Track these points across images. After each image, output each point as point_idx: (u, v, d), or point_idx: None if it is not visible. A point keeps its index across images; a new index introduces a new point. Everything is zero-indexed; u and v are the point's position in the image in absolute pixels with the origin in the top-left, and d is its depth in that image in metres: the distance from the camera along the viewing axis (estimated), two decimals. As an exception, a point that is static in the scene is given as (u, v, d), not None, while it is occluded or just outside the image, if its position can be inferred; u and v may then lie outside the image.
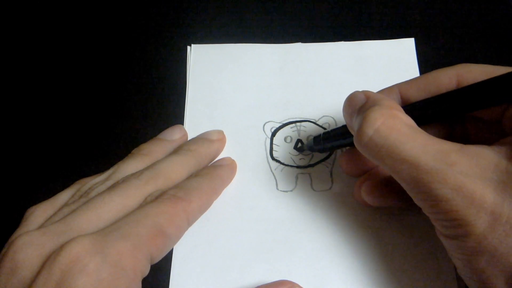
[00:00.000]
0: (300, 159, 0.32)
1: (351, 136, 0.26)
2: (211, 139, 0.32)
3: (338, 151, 0.32)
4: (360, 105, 0.25)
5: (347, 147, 0.30)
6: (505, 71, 0.22)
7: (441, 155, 0.21)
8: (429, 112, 0.25)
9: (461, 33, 0.37)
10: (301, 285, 0.27)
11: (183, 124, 0.34)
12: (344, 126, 0.28)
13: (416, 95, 0.27)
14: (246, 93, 0.35)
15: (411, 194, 0.23)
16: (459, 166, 0.21)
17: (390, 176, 0.27)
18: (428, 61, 0.35)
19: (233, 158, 0.32)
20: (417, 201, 0.23)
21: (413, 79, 0.27)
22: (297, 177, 0.32)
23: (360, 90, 0.27)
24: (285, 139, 0.33)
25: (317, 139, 0.30)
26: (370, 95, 0.25)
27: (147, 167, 0.29)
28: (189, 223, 0.27)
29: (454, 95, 0.24)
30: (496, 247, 0.20)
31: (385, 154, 0.23)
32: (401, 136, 0.22)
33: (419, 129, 0.23)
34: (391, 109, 0.23)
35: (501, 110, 0.25)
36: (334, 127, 0.33)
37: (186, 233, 0.27)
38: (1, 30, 0.40)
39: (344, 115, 0.27)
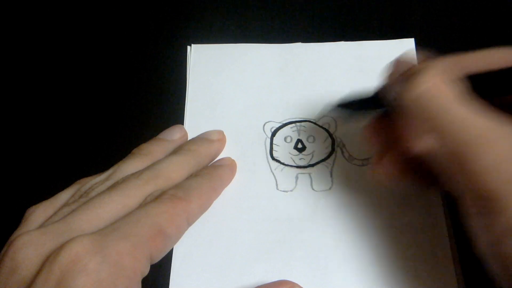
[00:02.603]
0: (300, 159, 0.32)
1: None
2: (211, 139, 0.32)
3: (338, 150, 0.32)
4: (411, 65, 0.24)
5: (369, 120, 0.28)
6: None
7: (494, 124, 0.21)
8: (488, 83, 0.24)
9: (461, 33, 0.37)
10: (301, 285, 0.27)
11: (183, 124, 0.34)
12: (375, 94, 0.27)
13: (474, 68, 0.25)
14: (246, 93, 0.35)
15: (447, 161, 0.22)
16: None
17: (416, 152, 0.27)
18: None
19: (233, 158, 0.32)
20: (452, 169, 0.22)
21: (472, 52, 0.26)
22: (297, 177, 0.32)
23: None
24: (285, 139, 0.33)
25: (349, 102, 0.29)
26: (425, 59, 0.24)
27: (147, 167, 0.29)
28: (189, 223, 0.27)
29: None
30: None
31: (434, 113, 0.22)
32: (456, 98, 0.22)
33: (473, 97, 0.22)
34: (447, 71, 0.23)
35: None
36: (334, 127, 0.33)
37: (186, 233, 0.27)
38: (1, 30, 0.40)
39: (389, 72, 0.25)
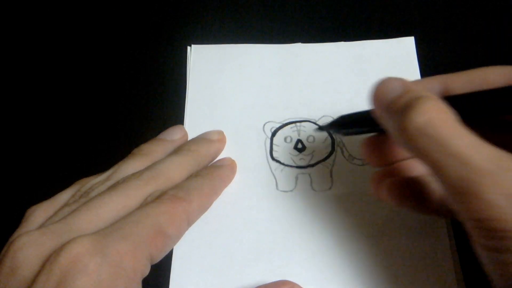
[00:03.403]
0: (300, 159, 0.32)
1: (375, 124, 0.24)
2: (211, 139, 0.32)
3: (338, 150, 0.32)
4: (397, 94, 0.23)
5: (369, 134, 0.28)
6: None
7: (496, 158, 0.19)
8: (476, 105, 0.23)
9: (461, 31, 0.37)
10: (301, 285, 0.27)
11: (183, 124, 0.34)
12: (368, 112, 0.26)
13: (460, 89, 0.24)
14: (246, 93, 0.35)
15: (452, 195, 0.20)
16: None
17: (413, 177, 0.26)
18: (428, 59, 0.35)
19: (233, 158, 0.32)
20: (457, 203, 0.20)
21: (456, 73, 0.25)
22: (297, 177, 0.32)
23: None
24: (285, 139, 0.33)
25: (336, 124, 0.28)
26: (410, 86, 0.23)
27: (147, 167, 0.29)
28: (189, 223, 0.27)
29: (507, 91, 0.22)
30: None
31: (434, 147, 0.20)
32: (455, 131, 0.20)
33: (469, 129, 0.21)
34: (441, 103, 0.21)
35: None
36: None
37: (186, 233, 0.27)
38: (1, 30, 0.40)
39: (375, 104, 0.24)
